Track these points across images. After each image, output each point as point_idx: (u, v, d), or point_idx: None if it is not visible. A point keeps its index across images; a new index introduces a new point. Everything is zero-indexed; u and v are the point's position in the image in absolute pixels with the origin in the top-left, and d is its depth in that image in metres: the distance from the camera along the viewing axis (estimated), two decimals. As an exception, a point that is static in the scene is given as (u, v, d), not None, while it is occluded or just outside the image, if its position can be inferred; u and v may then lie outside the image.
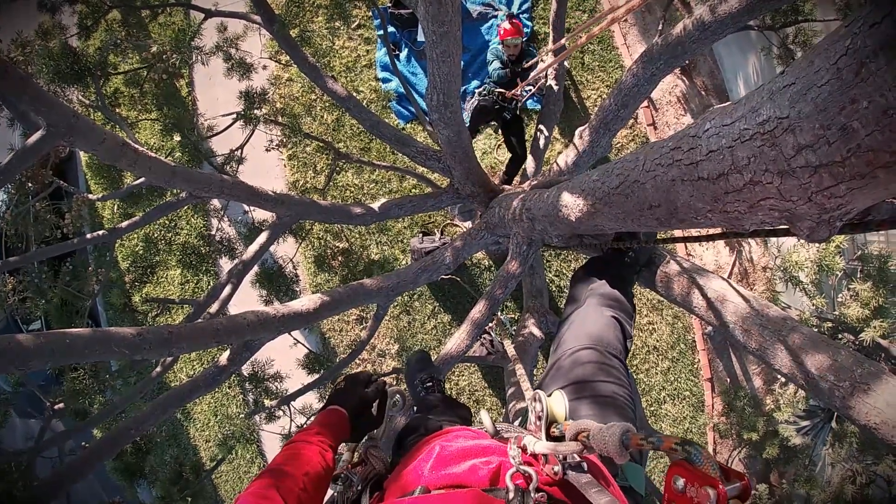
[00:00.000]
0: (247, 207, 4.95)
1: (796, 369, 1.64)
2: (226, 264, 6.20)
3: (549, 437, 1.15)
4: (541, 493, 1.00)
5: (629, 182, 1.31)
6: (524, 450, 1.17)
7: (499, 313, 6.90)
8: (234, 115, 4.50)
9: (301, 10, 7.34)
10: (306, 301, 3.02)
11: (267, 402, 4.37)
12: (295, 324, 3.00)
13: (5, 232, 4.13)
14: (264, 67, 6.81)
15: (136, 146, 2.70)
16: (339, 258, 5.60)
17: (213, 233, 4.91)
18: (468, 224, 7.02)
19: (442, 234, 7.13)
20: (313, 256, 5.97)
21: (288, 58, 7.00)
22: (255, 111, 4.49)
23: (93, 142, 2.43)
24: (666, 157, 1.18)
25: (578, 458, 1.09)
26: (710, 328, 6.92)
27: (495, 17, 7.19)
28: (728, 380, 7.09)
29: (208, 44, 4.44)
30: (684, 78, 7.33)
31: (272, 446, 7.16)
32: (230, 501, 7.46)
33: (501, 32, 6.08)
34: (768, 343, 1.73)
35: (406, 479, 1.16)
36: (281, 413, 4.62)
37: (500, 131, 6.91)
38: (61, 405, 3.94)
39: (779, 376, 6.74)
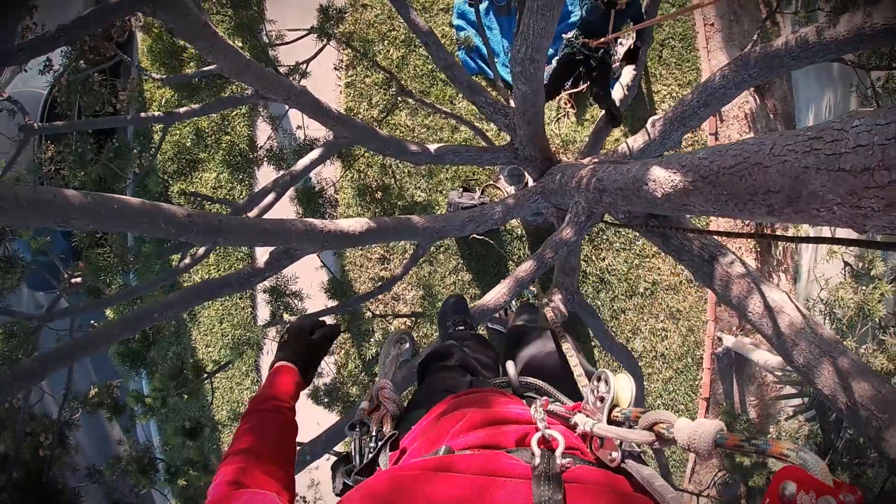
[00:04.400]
0: (301, 123, 4.92)
1: (838, 392, 1.64)
2: (263, 177, 6.22)
3: (610, 422, 1.11)
4: (568, 459, 0.97)
5: (749, 164, 1.29)
6: (553, 415, 1.16)
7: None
8: (309, 28, 4.45)
9: None
10: (354, 223, 3.03)
11: (286, 317, 4.43)
12: (340, 242, 3.01)
13: (57, 99, 4.14)
14: None
15: (216, 29, 2.68)
16: (381, 193, 5.60)
17: (263, 141, 4.90)
18: (512, 189, 6.96)
19: (482, 193, 7.09)
20: (356, 185, 5.97)
21: None
22: (330, 28, 4.43)
23: (177, 14, 2.38)
24: (803, 145, 1.15)
25: (639, 449, 1.06)
26: (720, 349, 6.90)
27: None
28: (724, 404, 7.10)
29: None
30: (756, 96, 7.14)
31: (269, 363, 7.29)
32: (219, 408, 7.65)
33: None
34: (816, 361, 1.72)
35: (429, 439, 1.15)
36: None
37: (582, 82, 6.63)
38: (79, 280, 3.98)
39: (780, 410, 6.77)
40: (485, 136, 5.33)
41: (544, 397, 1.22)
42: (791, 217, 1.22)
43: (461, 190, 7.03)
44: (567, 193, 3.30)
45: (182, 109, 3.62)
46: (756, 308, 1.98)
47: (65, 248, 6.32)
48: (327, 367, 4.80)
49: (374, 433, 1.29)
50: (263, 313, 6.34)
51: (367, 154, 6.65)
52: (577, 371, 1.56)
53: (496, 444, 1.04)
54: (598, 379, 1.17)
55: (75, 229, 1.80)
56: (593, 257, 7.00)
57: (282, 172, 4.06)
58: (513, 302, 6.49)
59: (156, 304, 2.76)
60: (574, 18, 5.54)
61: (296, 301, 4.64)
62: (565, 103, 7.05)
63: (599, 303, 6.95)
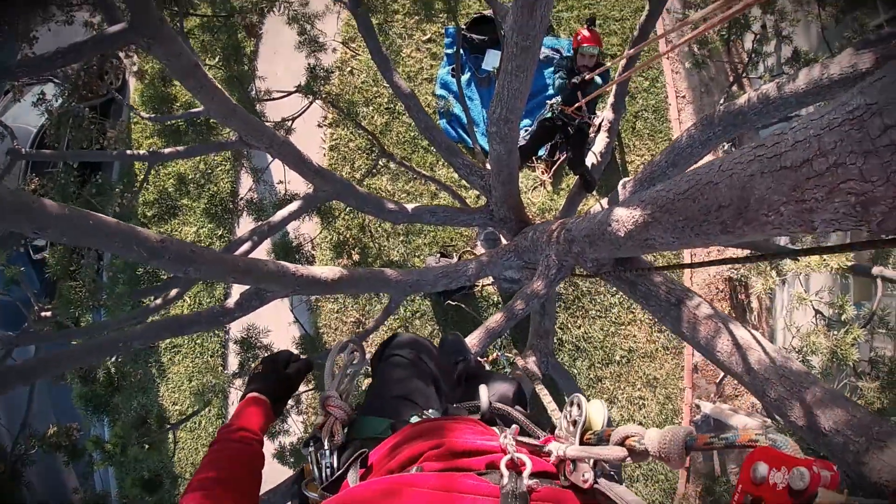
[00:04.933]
0: (282, 178, 5.00)
1: (812, 421, 1.64)
2: (243, 231, 6.27)
3: (582, 444, 1.11)
4: (535, 480, 0.98)
5: (701, 185, 1.34)
6: (524, 444, 1.16)
7: (497, 351, 6.87)
8: (297, 87, 4.60)
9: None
10: (327, 270, 3.03)
11: (253, 366, 4.34)
12: (311, 288, 3.00)
13: (48, 132, 4.21)
14: (334, 51, 7.03)
15: (206, 72, 2.77)
16: (358, 250, 5.63)
17: (244, 193, 4.96)
18: (489, 255, 7.03)
19: (459, 259, 7.15)
20: (334, 242, 6.01)
21: (356, 46, 7.21)
22: (318, 86, 4.59)
23: (171, 52, 2.47)
24: (747, 155, 1.21)
25: (613, 468, 1.08)
26: (699, 416, 6.83)
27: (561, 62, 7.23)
28: (703, 473, 6.96)
29: (286, 15, 4.60)
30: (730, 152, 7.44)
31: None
32: (180, 461, 7.34)
33: (579, 39, 5.50)
34: (787, 394, 1.72)
35: (402, 456, 1.14)
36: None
37: (559, 152, 6.92)
38: (48, 313, 3.93)
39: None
40: (463, 202, 5.44)
41: (514, 426, 1.21)
42: (744, 230, 1.26)
43: (438, 255, 7.10)
44: (539, 249, 3.35)
45: (167, 150, 3.68)
46: (724, 347, 1.99)
47: (38, 287, 6.29)
48: (294, 425, 4.65)
49: (326, 446, 1.28)
50: (233, 366, 6.21)
51: (346, 214, 6.73)
52: (551, 407, 1.58)
53: (467, 469, 1.05)
54: (571, 404, 1.18)
55: (48, 240, 1.79)
56: (569, 325, 7.01)
57: (261, 223, 4.08)
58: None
59: (122, 334, 2.73)
60: (552, 91, 5.86)
61: (265, 354, 4.55)
62: (542, 173, 7.26)
63: (576, 370, 6.90)
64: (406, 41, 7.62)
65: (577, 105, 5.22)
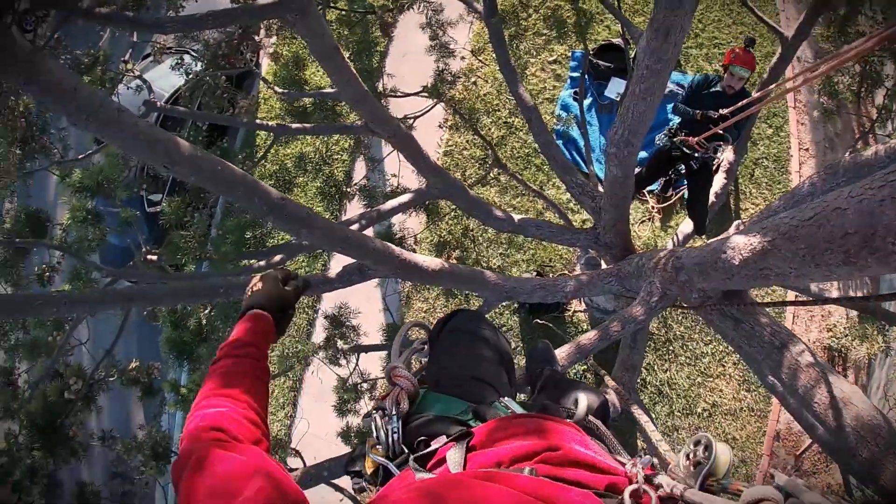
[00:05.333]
0: (392, 173, 5.21)
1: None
2: (352, 214, 6.57)
3: (703, 489, 1.03)
4: None
5: (828, 211, 1.32)
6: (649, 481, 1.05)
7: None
8: (423, 87, 4.78)
9: (519, 14, 7.63)
10: (430, 260, 3.14)
11: (340, 343, 4.52)
12: (411, 274, 3.11)
13: (182, 93, 4.49)
14: (462, 58, 7.26)
15: (344, 55, 2.97)
16: (458, 253, 5.75)
17: (357, 179, 5.18)
18: (584, 280, 6.97)
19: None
20: (435, 241, 6.17)
21: (485, 58, 7.40)
22: (444, 89, 4.75)
23: (315, 31, 2.65)
24: (878, 180, 1.20)
25: None
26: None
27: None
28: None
29: (424, 15, 4.78)
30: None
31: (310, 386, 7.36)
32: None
33: (731, 56, 4.89)
34: (881, 454, 1.64)
35: (513, 451, 1.05)
36: (343, 363, 4.74)
37: (672, 189, 6.78)
38: (154, 257, 4.17)
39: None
40: (569, 222, 5.44)
41: (647, 457, 1.10)
42: (867, 262, 1.23)
43: (535, 273, 7.10)
44: (643, 275, 3.30)
45: (294, 125, 3.91)
46: (822, 398, 1.91)
47: (147, 235, 6.78)
48: (365, 407, 4.75)
49: (393, 413, 1.25)
50: (318, 339, 6.45)
51: (452, 214, 6.87)
52: (652, 432, 1.47)
53: (579, 482, 0.97)
54: (697, 443, 1.11)
55: (178, 176, 1.96)
56: (656, 367, 6.80)
57: (370, 209, 4.27)
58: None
59: (224, 280, 2.86)
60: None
61: (352, 333, 4.73)
62: (652, 208, 7.12)
63: (654, 415, 6.67)
64: (532, 59, 7.74)
65: (703, 136, 4.78)
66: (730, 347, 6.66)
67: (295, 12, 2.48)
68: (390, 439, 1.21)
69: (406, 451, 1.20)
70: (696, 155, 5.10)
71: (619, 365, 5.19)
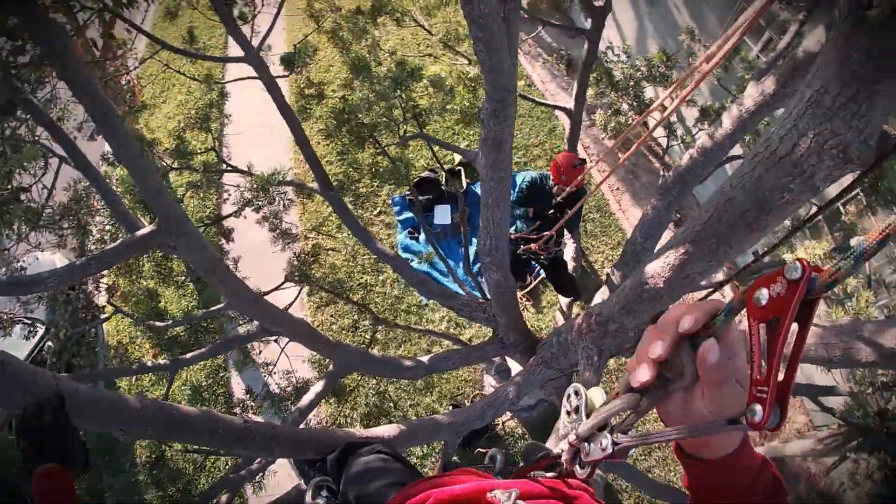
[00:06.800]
0: (285, 369, 5.11)
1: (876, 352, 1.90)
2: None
3: None
4: None
5: (720, 206, 1.66)
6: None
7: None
8: (286, 276, 4.85)
9: (350, 180, 8.26)
10: (388, 429, 3.14)
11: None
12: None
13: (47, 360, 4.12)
14: (306, 238, 7.53)
15: (228, 265, 3.02)
16: (386, 421, 5.62)
17: (255, 390, 5.00)
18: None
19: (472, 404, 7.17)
20: (361, 414, 5.99)
21: (326, 229, 7.69)
22: (307, 271, 4.87)
23: (195, 248, 2.69)
24: (750, 164, 1.57)
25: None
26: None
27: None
28: None
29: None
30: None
31: None
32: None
33: (561, 177, 5.28)
34: (849, 343, 1.99)
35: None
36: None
37: (530, 276, 7.22)
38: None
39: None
40: (462, 343, 5.63)
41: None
42: (768, 221, 1.58)
43: (452, 408, 7.11)
44: (570, 349, 3.54)
45: (188, 355, 3.72)
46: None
47: None
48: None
49: None
50: None
51: (362, 385, 6.74)
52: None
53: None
54: (567, 396, 1.11)
55: (132, 438, 1.84)
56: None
57: (291, 410, 4.13)
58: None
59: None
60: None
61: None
62: (521, 298, 7.62)
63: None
64: (359, 215, 8.23)
65: (539, 241, 5.37)
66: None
67: (175, 235, 2.53)
68: None
69: None
70: (542, 257, 5.72)
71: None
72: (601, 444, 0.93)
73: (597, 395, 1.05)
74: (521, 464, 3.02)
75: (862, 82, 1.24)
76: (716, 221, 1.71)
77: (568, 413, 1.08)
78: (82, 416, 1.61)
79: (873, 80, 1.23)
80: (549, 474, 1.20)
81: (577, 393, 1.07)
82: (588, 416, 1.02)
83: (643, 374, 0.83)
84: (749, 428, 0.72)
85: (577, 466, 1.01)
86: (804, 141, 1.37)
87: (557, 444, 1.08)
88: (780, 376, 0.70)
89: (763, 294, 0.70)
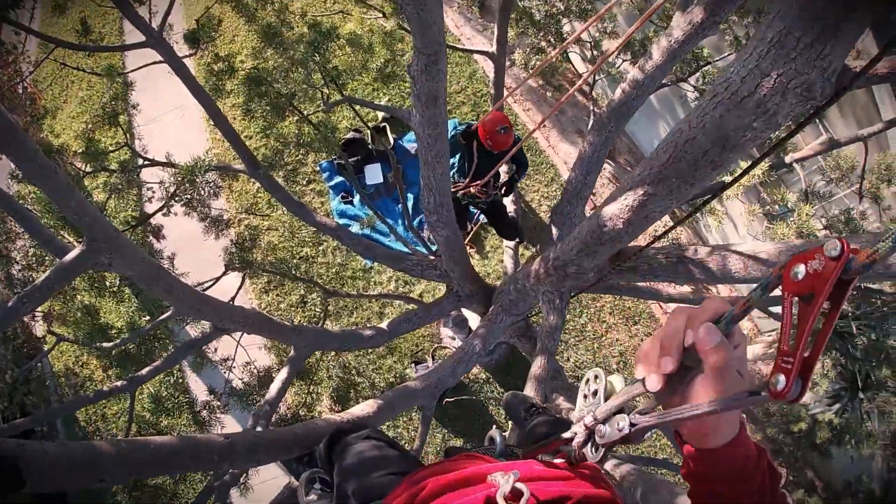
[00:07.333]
0: (248, 358, 4.98)
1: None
2: (230, 424, 6.08)
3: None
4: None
5: (680, 146, 1.67)
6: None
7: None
8: (226, 266, 4.66)
9: (274, 154, 7.96)
10: (365, 406, 3.10)
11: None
12: (361, 430, 3.06)
13: None
14: (239, 222, 7.24)
15: (170, 272, 2.85)
16: (354, 394, 5.61)
17: (219, 387, 4.87)
18: (459, 340, 7.18)
19: (433, 358, 7.24)
20: (332, 394, 5.95)
21: (259, 209, 7.45)
22: (247, 255, 4.69)
23: (131, 261, 2.52)
24: (710, 105, 1.56)
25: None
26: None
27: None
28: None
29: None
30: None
31: None
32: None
33: (489, 141, 5.34)
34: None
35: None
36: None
37: (470, 222, 7.19)
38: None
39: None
40: (416, 301, 5.62)
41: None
42: (730, 157, 1.60)
43: (414, 365, 7.16)
44: (529, 294, 3.58)
45: (145, 371, 3.54)
46: (737, 264, 2.31)
47: None
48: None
49: None
50: None
51: (321, 359, 6.68)
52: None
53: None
54: (586, 380, 1.14)
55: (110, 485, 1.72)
56: (560, 362, 7.22)
57: (259, 403, 4.04)
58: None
59: None
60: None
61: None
62: (465, 245, 7.63)
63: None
64: (291, 189, 7.95)
65: (480, 182, 5.37)
66: (596, 305, 7.37)
67: (107, 251, 2.36)
68: None
69: None
70: (480, 200, 5.72)
71: (538, 378, 5.46)
72: (618, 424, 0.97)
73: (617, 380, 1.08)
74: (505, 414, 3.07)
75: (825, 25, 1.24)
76: (676, 161, 1.72)
77: (585, 396, 1.12)
78: (57, 480, 1.51)
79: (836, 22, 1.24)
80: (558, 460, 1.20)
81: (596, 377, 1.11)
82: (607, 399, 1.05)
83: (653, 385, 0.88)
84: (769, 398, 0.74)
85: (591, 449, 1.05)
86: (767, 81, 1.37)
87: (571, 428, 1.12)
88: (806, 353, 0.72)
89: (800, 269, 0.72)
